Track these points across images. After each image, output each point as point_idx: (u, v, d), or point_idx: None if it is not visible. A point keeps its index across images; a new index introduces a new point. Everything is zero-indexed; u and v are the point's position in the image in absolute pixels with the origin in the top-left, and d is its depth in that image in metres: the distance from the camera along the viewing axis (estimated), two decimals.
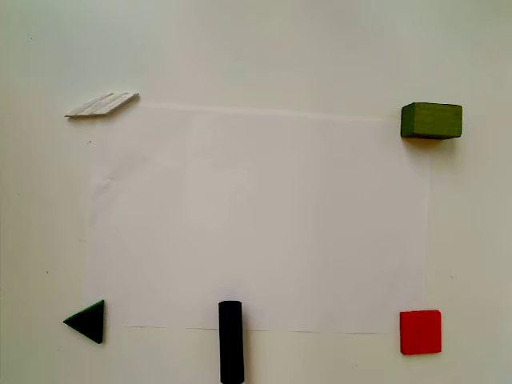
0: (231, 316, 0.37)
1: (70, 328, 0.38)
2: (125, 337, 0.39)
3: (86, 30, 0.39)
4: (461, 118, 0.39)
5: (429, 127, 0.38)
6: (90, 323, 0.38)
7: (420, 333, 0.41)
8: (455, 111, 0.39)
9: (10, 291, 0.39)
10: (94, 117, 0.38)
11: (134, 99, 0.39)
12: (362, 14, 0.42)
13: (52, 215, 0.39)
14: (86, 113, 0.38)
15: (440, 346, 0.41)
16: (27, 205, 0.39)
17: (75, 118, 0.38)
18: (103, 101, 0.37)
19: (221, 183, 0.40)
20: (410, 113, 0.40)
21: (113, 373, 0.39)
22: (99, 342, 0.39)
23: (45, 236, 0.39)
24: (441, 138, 0.41)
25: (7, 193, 0.39)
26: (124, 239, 0.39)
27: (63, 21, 0.39)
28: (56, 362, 0.39)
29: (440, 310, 0.41)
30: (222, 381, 0.37)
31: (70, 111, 0.38)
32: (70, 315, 0.39)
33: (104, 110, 0.38)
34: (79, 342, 0.39)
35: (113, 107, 0.38)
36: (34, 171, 0.39)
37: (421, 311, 0.41)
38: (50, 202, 0.39)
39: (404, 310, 0.41)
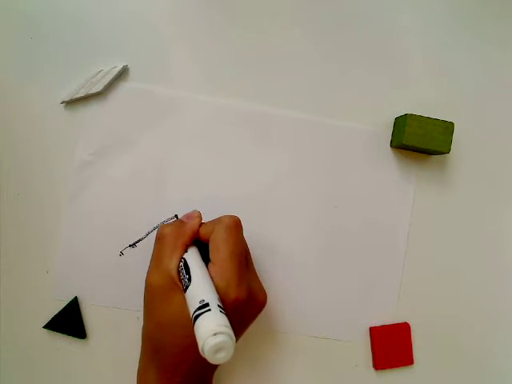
0: None
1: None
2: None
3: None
4: (451, 135, 0.38)
5: (418, 139, 0.38)
6: (70, 322, 0.38)
7: (391, 346, 0.40)
8: (446, 127, 0.38)
9: (9, 292, 0.38)
10: (88, 98, 0.38)
11: (125, 76, 0.39)
12: (362, 21, 0.42)
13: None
14: (80, 94, 0.38)
15: (412, 359, 0.41)
16: (26, 204, 0.39)
17: (71, 102, 0.38)
18: (94, 79, 0.37)
19: (204, 175, 0.40)
20: (401, 123, 0.40)
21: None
22: (83, 338, 0.38)
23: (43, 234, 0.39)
24: (430, 153, 0.41)
25: (7, 190, 0.39)
26: (100, 221, 0.39)
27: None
28: (55, 363, 0.39)
29: (409, 323, 0.41)
30: None
31: (65, 96, 0.38)
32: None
33: (98, 88, 0.37)
34: (76, 341, 0.39)
35: (105, 83, 0.37)
36: (30, 172, 0.39)
37: (390, 325, 0.41)
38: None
39: (376, 324, 0.41)
